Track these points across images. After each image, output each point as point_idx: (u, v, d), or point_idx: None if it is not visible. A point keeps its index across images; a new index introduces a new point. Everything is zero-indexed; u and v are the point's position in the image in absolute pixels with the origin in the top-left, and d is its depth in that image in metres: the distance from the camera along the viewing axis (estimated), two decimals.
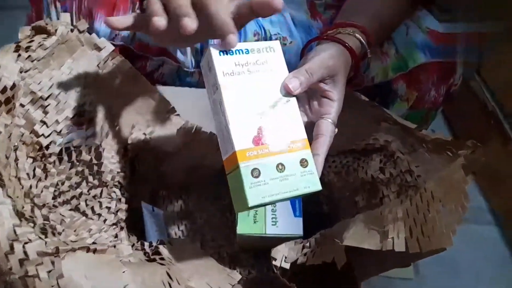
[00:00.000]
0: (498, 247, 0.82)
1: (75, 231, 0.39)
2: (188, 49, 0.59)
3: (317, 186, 0.38)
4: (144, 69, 0.62)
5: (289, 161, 0.37)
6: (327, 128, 0.42)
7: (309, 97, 0.45)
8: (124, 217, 0.47)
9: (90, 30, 0.57)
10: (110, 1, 0.54)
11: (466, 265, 0.78)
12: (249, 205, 0.35)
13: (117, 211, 0.46)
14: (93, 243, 0.36)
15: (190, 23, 0.36)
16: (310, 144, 0.41)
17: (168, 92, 0.59)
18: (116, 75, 0.50)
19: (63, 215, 0.40)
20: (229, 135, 0.36)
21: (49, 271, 0.30)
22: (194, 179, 0.58)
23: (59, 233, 0.37)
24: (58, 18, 0.58)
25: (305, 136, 0.39)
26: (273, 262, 0.45)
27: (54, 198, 0.42)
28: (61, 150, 0.43)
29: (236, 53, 0.39)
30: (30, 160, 0.41)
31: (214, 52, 0.38)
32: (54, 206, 0.42)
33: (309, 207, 0.59)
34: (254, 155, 0.36)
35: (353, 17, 0.53)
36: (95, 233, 0.39)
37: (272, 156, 0.37)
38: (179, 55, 0.60)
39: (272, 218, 0.55)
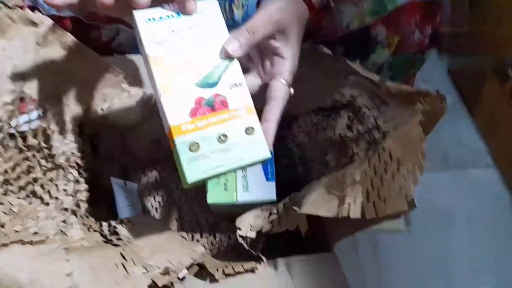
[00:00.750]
0: (497, 189, 0.79)
1: (22, 220, 0.38)
2: None
3: (265, 154, 0.36)
4: (99, 39, 0.59)
5: (232, 130, 0.35)
6: (279, 90, 0.39)
7: (261, 56, 0.41)
8: (84, 198, 0.46)
9: (35, 3, 0.54)
10: None
11: (461, 212, 0.75)
12: (188, 182, 0.33)
13: (75, 192, 0.45)
14: (35, 233, 0.35)
15: None
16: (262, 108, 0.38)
17: (126, 60, 0.55)
18: (60, 51, 0.47)
19: (12, 204, 0.39)
20: (163, 109, 0.34)
21: None
22: (163, 150, 0.56)
23: (2, 225, 0.36)
24: None
25: (250, 101, 0.36)
26: (238, 232, 0.44)
27: (3, 187, 0.41)
28: (4, 137, 0.41)
29: (166, 18, 0.35)
30: None
31: (140, 20, 0.35)
32: (5, 194, 0.41)
33: (284, 171, 0.56)
34: (191, 129, 0.33)
35: None
36: (42, 221, 0.38)
37: (212, 127, 0.34)
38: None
39: (243, 184, 0.53)
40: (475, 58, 0.87)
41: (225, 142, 0.34)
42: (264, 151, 0.35)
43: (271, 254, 0.45)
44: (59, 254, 0.34)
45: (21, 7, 0.44)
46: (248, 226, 0.44)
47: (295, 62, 0.40)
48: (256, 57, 0.42)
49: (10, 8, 0.43)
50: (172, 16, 0.36)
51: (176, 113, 0.33)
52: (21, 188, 0.43)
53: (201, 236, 0.59)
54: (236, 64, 0.36)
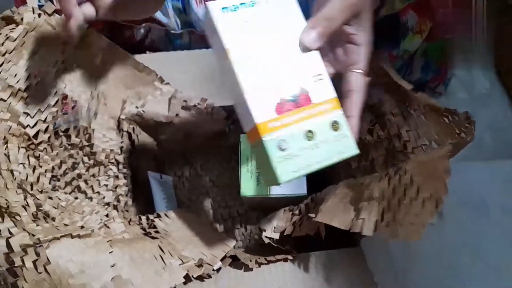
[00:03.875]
0: None
1: (69, 214, 0.41)
2: (170, 10, 0.57)
3: (353, 150, 0.34)
4: (133, 38, 0.61)
5: (319, 126, 0.33)
6: (358, 82, 0.36)
7: (332, 43, 0.38)
8: (124, 192, 0.49)
9: None
10: None
11: (495, 203, 0.73)
12: (280, 182, 0.32)
13: (115, 187, 0.48)
14: (82, 226, 0.38)
15: None
16: (341, 101, 0.35)
17: (157, 58, 0.57)
18: (95, 53, 0.49)
19: (59, 199, 0.43)
20: (247, 107, 0.32)
21: (35, 260, 0.33)
22: (194, 144, 0.58)
23: (53, 219, 0.39)
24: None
25: (334, 94, 0.34)
26: (263, 234, 0.45)
27: (52, 182, 0.44)
28: (49, 136, 0.45)
29: (239, 7, 0.33)
30: (23, 150, 0.43)
31: (215, 10, 0.32)
32: (54, 190, 0.44)
33: None
34: (278, 126, 0.32)
35: None
36: (87, 215, 0.41)
37: (299, 123, 0.32)
38: (161, 17, 0.57)
39: None
40: None
41: (312, 139, 0.32)
42: (351, 147, 0.34)
43: (304, 248, 0.46)
44: (103, 247, 0.37)
45: (59, 12, 0.46)
46: (272, 228, 0.46)
47: (370, 47, 0.37)
48: (325, 44, 0.37)
49: (49, 14, 0.45)
50: (246, 4, 0.33)
51: (261, 110, 0.32)
52: (67, 184, 0.47)
53: (233, 227, 0.61)
54: (316, 54, 0.34)
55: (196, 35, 0.60)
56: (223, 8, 0.32)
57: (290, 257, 0.43)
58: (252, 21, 0.33)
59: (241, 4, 0.33)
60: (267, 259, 0.42)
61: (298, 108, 0.33)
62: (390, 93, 0.44)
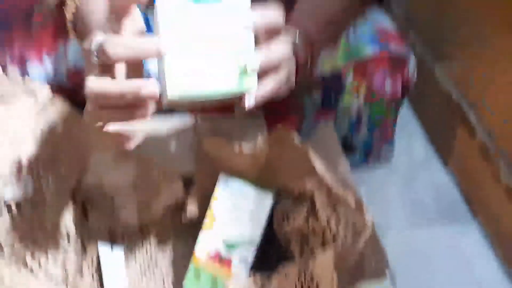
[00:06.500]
0: (478, 242, 0.80)
1: None
2: None
3: None
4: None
5: None
6: None
7: None
8: (73, 267, 0.46)
9: (24, 75, 0.56)
10: (39, 42, 0.53)
11: (440, 270, 0.75)
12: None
13: (64, 262, 0.45)
14: None
15: None
16: None
17: None
18: (57, 119, 0.48)
19: (2, 275, 0.39)
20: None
21: None
22: (151, 216, 0.56)
23: None
24: None
25: None
26: None
27: None
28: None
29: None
30: None
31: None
32: None
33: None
34: None
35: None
36: None
37: None
38: None
39: None
40: (444, 111, 0.92)
41: None
42: None
43: None
44: None
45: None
46: None
47: None
48: None
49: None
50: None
51: None
52: (15, 260, 0.43)
53: None
54: None
55: None
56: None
57: None
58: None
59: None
60: None
61: None
62: (321, 183, 0.45)
